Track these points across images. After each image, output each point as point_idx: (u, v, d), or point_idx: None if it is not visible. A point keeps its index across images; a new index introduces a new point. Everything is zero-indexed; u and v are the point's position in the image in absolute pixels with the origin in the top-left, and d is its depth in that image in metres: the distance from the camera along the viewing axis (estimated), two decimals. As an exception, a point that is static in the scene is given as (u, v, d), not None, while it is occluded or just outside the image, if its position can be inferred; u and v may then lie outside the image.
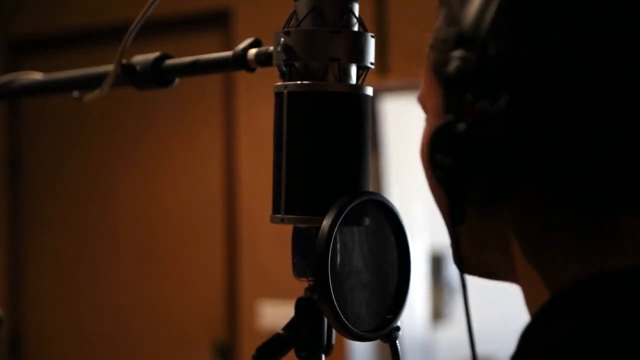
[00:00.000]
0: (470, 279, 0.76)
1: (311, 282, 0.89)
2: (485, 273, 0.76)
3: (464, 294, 0.69)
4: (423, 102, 0.78)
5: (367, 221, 0.89)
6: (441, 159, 0.66)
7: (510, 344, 0.70)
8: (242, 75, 3.04)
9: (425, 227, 3.60)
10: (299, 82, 0.88)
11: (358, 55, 0.89)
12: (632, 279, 0.64)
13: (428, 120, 0.76)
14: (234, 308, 3.22)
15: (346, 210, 0.84)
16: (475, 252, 0.74)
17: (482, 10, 0.65)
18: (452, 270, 4.16)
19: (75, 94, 1.21)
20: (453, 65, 0.65)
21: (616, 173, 0.64)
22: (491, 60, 0.64)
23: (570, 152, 0.64)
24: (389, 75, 2.81)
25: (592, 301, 0.64)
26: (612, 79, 0.63)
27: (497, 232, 0.72)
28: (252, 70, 1.03)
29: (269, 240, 3.01)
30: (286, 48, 0.88)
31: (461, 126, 0.65)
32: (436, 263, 4.04)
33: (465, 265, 0.74)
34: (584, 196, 0.65)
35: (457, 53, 0.66)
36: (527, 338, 0.67)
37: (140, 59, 1.13)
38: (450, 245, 0.75)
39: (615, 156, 0.64)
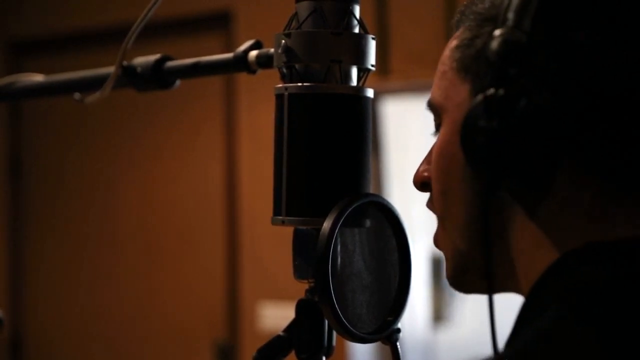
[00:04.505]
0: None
1: (312, 284, 0.89)
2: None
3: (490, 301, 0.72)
4: (441, 104, 0.79)
5: (368, 223, 0.89)
6: (483, 124, 0.67)
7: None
8: (243, 77, 3.03)
9: (426, 229, 3.59)
10: (299, 84, 0.88)
11: (359, 57, 0.89)
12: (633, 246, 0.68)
13: (450, 119, 0.77)
14: (234, 309, 3.22)
15: (347, 212, 0.84)
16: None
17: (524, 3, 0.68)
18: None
19: (77, 95, 1.21)
20: (496, 42, 0.67)
21: None
22: (537, 39, 0.66)
23: (609, 131, 0.67)
24: (390, 77, 2.81)
25: (605, 256, 0.67)
26: None
27: (498, 225, 0.73)
28: (253, 72, 1.03)
29: (270, 242, 3.01)
30: (287, 50, 0.88)
31: (504, 93, 0.66)
32: (437, 265, 4.04)
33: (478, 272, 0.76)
34: (615, 171, 0.69)
35: (498, 32, 0.68)
36: (541, 285, 0.70)
37: (141, 60, 1.13)
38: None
39: None
